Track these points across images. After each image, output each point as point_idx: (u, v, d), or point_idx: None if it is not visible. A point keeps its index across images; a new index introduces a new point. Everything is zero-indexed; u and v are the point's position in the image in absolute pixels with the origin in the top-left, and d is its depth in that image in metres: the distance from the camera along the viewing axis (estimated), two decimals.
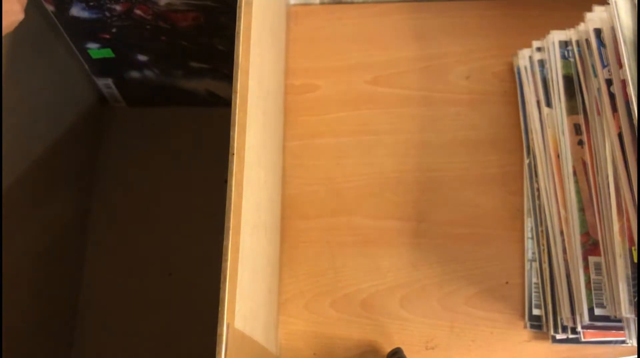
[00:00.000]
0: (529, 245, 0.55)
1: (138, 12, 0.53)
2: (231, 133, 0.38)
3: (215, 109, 0.65)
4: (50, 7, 0.53)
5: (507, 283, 0.55)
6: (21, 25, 0.50)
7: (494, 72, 0.62)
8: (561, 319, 0.51)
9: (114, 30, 0.55)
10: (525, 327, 0.53)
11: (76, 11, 0.53)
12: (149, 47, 0.58)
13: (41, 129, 0.56)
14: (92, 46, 0.58)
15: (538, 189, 0.56)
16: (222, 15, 0.53)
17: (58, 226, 0.59)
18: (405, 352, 0.51)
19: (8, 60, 0.49)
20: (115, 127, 0.66)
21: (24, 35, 0.51)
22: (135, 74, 0.62)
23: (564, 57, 0.55)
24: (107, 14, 0.54)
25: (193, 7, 0.52)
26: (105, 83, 0.63)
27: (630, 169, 0.45)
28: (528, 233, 0.56)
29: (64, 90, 0.59)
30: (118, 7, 0.53)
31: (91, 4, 0.53)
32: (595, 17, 0.51)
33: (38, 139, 0.55)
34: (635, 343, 0.50)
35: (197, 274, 0.60)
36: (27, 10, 0.51)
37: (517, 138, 0.59)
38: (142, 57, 0.59)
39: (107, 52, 0.59)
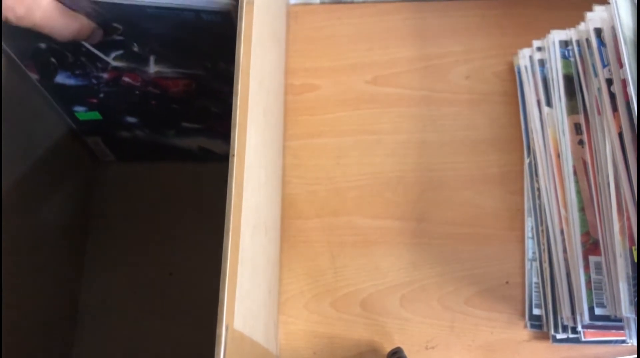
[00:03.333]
0: (529, 245, 0.55)
1: (126, 79, 0.52)
2: (232, 134, 0.38)
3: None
4: (34, 76, 0.51)
5: (507, 282, 0.55)
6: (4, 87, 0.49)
7: (494, 72, 0.62)
8: (561, 319, 0.51)
9: (101, 95, 0.54)
10: (525, 326, 0.53)
11: (61, 79, 0.52)
12: (139, 110, 0.57)
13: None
14: (79, 109, 0.56)
15: (538, 189, 0.56)
16: (215, 81, 0.52)
17: (58, 226, 0.58)
18: (405, 352, 0.51)
19: None
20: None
21: (8, 96, 0.50)
22: (124, 133, 0.60)
23: (564, 57, 0.55)
24: (94, 81, 0.52)
25: (184, 75, 0.51)
26: (94, 140, 0.62)
27: (631, 169, 0.45)
28: (528, 233, 0.56)
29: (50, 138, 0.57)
30: (105, 75, 0.52)
31: (77, 72, 0.51)
32: (596, 16, 0.51)
33: (37, 143, 0.55)
34: (635, 343, 0.50)
35: (197, 274, 0.60)
36: (10, 77, 0.49)
37: (517, 138, 0.59)
38: (131, 119, 0.58)
39: (95, 115, 0.57)
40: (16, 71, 0.50)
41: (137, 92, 0.53)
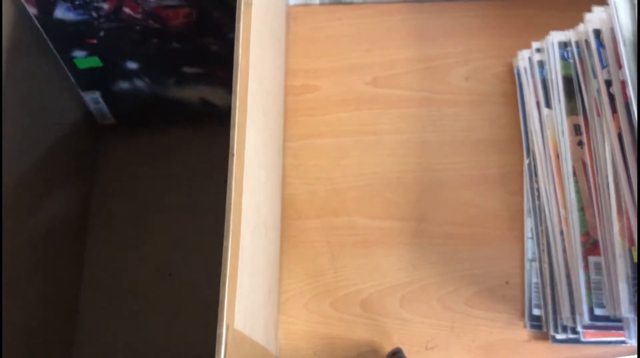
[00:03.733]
0: (529, 245, 0.56)
1: (127, 10, 0.52)
2: (231, 134, 0.38)
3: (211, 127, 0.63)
4: (32, 10, 0.51)
5: (507, 283, 0.55)
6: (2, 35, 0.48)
7: (493, 73, 0.62)
8: (561, 319, 0.51)
9: (101, 34, 0.53)
10: (525, 326, 0.54)
11: (61, 13, 0.51)
12: (139, 53, 0.56)
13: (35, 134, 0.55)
14: (78, 54, 0.55)
15: (538, 190, 0.56)
16: (216, 11, 0.52)
17: (58, 226, 0.59)
18: (405, 352, 0.51)
19: None
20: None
21: (6, 47, 0.49)
22: (124, 85, 0.59)
23: (563, 58, 0.55)
24: (94, 14, 0.52)
25: (185, 1, 0.51)
26: (93, 97, 0.61)
27: (630, 170, 0.46)
28: (528, 233, 0.56)
29: (50, 105, 0.57)
30: (106, 6, 0.51)
31: (77, 2, 0.51)
32: (595, 17, 0.51)
33: (36, 141, 0.55)
34: (635, 343, 0.50)
35: (197, 274, 0.60)
36: (7, 17, 0.48)
37: (516, 139, 0.59)
38: (131, 65, 0.57)
39: (95, 61, 0.56)
40: (15, 7, 0.49)
41: (138, 27, 0.53)
